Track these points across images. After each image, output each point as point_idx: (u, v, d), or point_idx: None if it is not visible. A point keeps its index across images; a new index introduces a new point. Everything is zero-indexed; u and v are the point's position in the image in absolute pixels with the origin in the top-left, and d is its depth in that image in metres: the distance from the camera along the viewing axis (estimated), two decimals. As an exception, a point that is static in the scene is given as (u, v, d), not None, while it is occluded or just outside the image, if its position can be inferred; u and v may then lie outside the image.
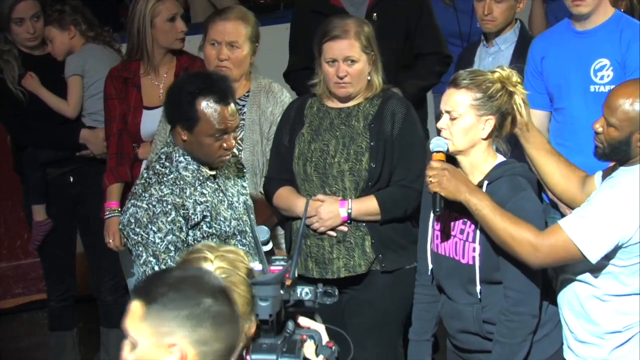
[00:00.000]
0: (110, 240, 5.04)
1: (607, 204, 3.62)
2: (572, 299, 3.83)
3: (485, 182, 3.77)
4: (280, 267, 2.68)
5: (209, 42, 4.63)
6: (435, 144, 3.82)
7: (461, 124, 3.76)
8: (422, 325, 4.06)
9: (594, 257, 3.63)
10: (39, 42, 5.54)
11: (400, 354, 4.54)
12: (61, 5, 5.52)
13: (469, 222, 3.81)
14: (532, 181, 3.83)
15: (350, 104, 4.43)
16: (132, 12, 5.01)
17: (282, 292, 2.61)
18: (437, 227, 3.91)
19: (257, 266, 2.69)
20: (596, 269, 3.74)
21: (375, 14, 5.34)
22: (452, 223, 3.86)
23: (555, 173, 3.93)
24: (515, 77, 3.82)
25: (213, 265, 2.56)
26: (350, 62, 4.36)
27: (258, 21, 4.80)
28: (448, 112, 3.79)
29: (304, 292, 2.68)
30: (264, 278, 2.58)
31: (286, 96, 4.75)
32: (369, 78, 4.41)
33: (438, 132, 3.84)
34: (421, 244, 4.02)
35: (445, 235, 3.88)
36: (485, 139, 3.79)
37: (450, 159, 3.86)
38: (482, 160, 3.82)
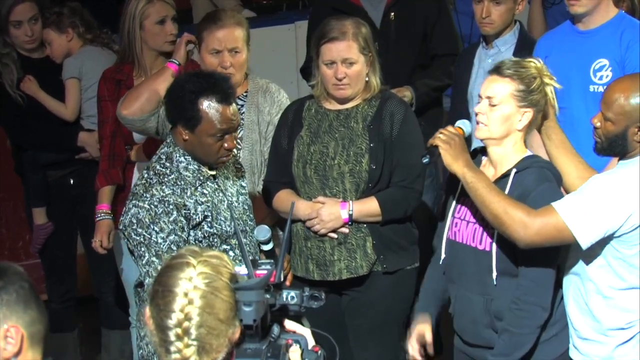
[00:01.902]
0: (97, 241, 5.03)
1: (601, 190, 3.64)
2: (576, 295, 3.83)
3: (514, 171, 3.78)
4: (266, 272, 2.67)
5: (209, 51, 4.56)
6: (461, 121, 3.90)
7: (500, 111, 3.79)
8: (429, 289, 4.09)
9: (585, 242, 3.64)
10: (37, 44, 5.56)
11: (401, 355, 4.53)
12: (59, 7, 5.53)
13: None
14: (558, 178, 3.84)
15: (349, 105, 4.42)
16: (123, 14, 4.98)
17: (267, 296, 2.59)
18: (458, 214, 3.92)
19: (242, 270, 2.68)
20: (595, 263, 3.74)
21: (392, 14, 5.35)
22: (472, 210, 3.86)
23: (572, 173, 3.91)
24: (546, 70, 3.85)
25: (196, 271, 2.54)
26: (348, 64, 4.34)
27: (259, 22, 4.79)
28: (489, 97, 3.80)
29: (289, 296, 2.67)
30: (247, 283, 2.57)
31: (283, 96, 4.73)
32: (367, 79, 4.40)
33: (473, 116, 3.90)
34: (439, 234, 4.02)
35: (465, 222, 3.89)
36: (520, 131, 3.81)
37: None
38: (512, 152, 3.83)
